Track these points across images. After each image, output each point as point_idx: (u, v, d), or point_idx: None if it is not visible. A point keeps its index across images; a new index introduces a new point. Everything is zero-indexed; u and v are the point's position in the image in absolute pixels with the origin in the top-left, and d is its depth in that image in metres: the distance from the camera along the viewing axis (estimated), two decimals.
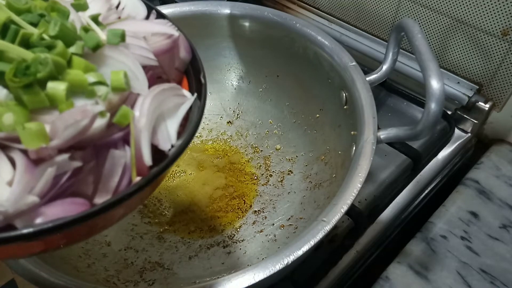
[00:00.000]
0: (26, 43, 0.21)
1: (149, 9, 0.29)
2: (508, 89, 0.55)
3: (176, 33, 0.27)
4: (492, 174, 0.52)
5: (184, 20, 0.54)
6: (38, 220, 0.19)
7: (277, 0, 0.76)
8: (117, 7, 0.29)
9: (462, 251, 0.45)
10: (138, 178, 0.21)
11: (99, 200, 0.21)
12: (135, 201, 0.24)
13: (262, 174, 0.54)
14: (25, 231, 0.18)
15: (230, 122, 0.59)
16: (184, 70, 0.28)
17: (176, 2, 0.57)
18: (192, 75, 0.28)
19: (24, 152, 0.19)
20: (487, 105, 0.57)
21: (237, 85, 0.60)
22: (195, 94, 0.25)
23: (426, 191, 0.53)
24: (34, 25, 0.23)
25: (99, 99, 0.21)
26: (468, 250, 0.45)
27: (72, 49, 0.22)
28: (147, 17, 0.29)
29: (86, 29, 0.23)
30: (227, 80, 0.60)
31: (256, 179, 0.54)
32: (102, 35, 0.23)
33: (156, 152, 0.23)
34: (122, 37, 0.23)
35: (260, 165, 0.55)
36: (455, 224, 0.47)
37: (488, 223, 0.47)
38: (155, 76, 0.25)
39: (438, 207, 0.50)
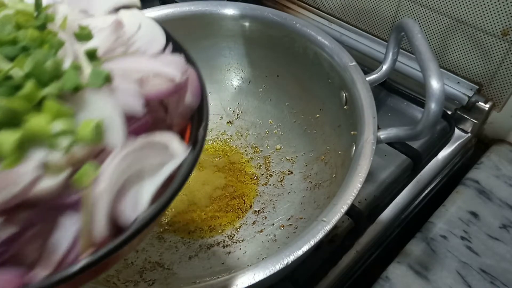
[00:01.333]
0: None
1: (167, 41, 0.26)
2: (508, 89, 0.55)
3: (179, 77, 0.23)
4: (492, 174, 0.52)
5: (184, 20, 0.54)
6: None
7: (277, 0, 0.76)
8: (132, 36, 0.26)
9: (462, 251, 0.45)
10: (87, 253, 0.18)
11: (39, 272, 0.18)
12: (86, 277, 0.20)
13: (262, 174, 0.54)
14: None
15: (230, 122, 0.59)
16: (190, 116, 0.25)
17: (176, 2, 0.57)
18: (195, 125, 0.24)
19: None
20: (487, 105, 0.57)
21: (237, 85, 0.60)
22: (187, 152, 0.22)
23: (426, 191, 0.53)
24: (13, 59, 0.20)
25: (60, 152, 0.18)
26: (468, 250, 0.45)
27: (46, 90, 0.19)
28: (164, 49, 0.26)
29: (75, 67, 0.21)
30: (227, 80, 0.60)
31: (256, 179, 0.54)
32: (86, 75, 0.21)
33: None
34: (107, 78, 0.21)
35: (260, 165, 0.55)
36: (455, 224, 0.47)
37: (488, 223, 0.47)
38: (147, 125, 0.22)
39: (438, 207, 0.50)
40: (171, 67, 0.23)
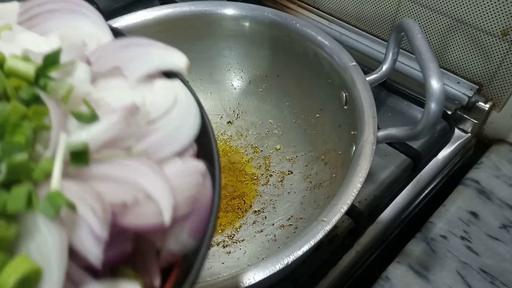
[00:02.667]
0: None
1: (200, 138, 0.21)
2: (508, 89, 0.55)
3: (168, 219, 0.17)
4: (492, 174, 0.52)
5: (184, 20, 0.54)
6: None
7: (277, 0, 0.76)
8: (156, 120, 0.21)
9: (462, 251, 0.45)
10: None
11: None
12: None
13: (262, 174, 0.54)
14: None
15: (230, 122, 0.59)
16: (182, 256, 0.19)
17: (176, 2, 0.57)
18: (183, 273, 0.18)
19: None
20: (487, 105, 0.57)
21: (237, 85, 0.60)
22: None
23: (426, 191, 0.53)
24: None
25: None
26: (468, 250, 0.45)
27: None
28: (188, 145, 0.20)
29: (44, 172, 0.16)
30: (227, 80, 0.60)
31: (256, 179, 0.54)
32: (44, 193, 0.16)
33: None
34: (70, 207, 0.16)
35: (260, 165, 0.55)
36: (455, 224, 0.47)
37: (488, 223, 0.47)
38: (114, 260, 0.17)
39: (438, 207, 0.50)
40: (168, 196, 0.18)
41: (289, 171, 0.53)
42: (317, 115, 0.53)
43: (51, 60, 0.20)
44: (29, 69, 0.19)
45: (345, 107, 0.46)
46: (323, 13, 0.71)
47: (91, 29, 0.24)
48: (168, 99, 0.21)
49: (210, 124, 0.21)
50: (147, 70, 0.22)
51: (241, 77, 0.60)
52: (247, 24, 0.55)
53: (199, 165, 0.20)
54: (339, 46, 0.48)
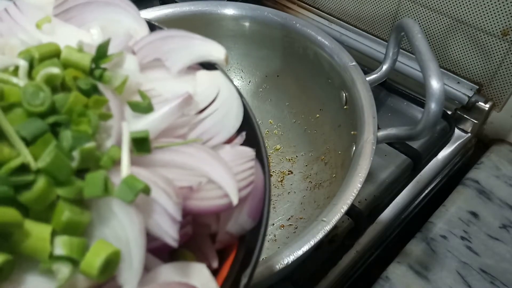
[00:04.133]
0: None
1: (242, 124, 0.21)
2: (508, 89, 0.55)
3: (236, 198, 0.18)
4: (492, 174, 0.52)
5: (184, 20, 0.54)
6: None
7: (277, 0, 0.76)
8: (203, 110, 0.21)
9: (462, 251, 0.45)
10: None
11: None
12: None
13: None
14: None
15: None
16: (239, 236, 0.20)
17: (176, 2, 0.57)
18: (242, 253, 0.19)
19: None
20: (487, 105, 0.57)
21: (237, 85, 0.60)
22: None
23: (426, 191, 0.53)
24: (34, 141, 0.16)
25: (54, 284, 0.15)
26: (468, 250, 0.45)
27: (61, 191, 0.15)
28: (235, 135, 0.21)
29: (112, 159, 0.17)
30: None
31: None
32: (122, 176, 0.16)
33: None
34: (143, 190, 0.16)
35: None
36: (455, 224, 0.47)
37: (488, 223, 0.47)
38: (174, 246, 0.17)
39: (438, 207, 0.50)
40: (230, 178, 0.18)
41: (289, 171, 0.53)
42: (317, 115, 0.53)
43: (103, 51, 0.20)
44: (85, 60, 0.19)
45: (345, 107, 0.46)
46: (323, 13, 0.71)
47: (128, 21, 0.24)
48: (212, 89, 0.22)
49: (252, 112, 0.22)
50: (188, 61, 0.23)
51: (241, 77, 0.60)
52: (247, 24, 0.55)
53: (249, 151, 0.20)
54: (339, 46, 0.48)
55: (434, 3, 0.56)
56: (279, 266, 0.31)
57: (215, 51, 0.24)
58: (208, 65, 0.24)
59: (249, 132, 0.21)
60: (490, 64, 0.55)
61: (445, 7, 0.55)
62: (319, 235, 0.32)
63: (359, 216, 0.46)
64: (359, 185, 0.35)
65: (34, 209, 0.15)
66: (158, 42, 0.23)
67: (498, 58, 0.53)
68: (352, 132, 0.43)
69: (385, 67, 0.47)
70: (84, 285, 0.15)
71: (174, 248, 0.17)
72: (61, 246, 0.15)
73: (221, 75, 0.23)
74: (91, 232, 0.16)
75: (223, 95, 0.22)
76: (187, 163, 0.18)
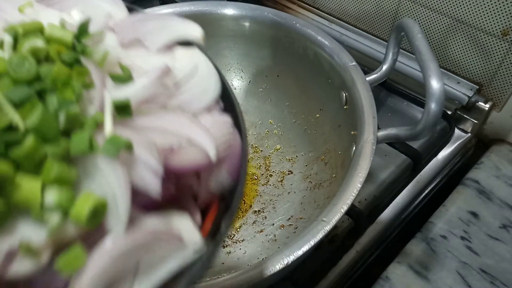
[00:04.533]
0: None
1: (221, 94, 0.23)
2: (508, 89, 0.55)
3: (214, 155, 0.20)
4: (492, 174, 0.52)
5: None
6: None
7: (277, 0, 0.76)
8: (181, 81, 0.23)
9: (462, 251, 0.45)
10: None
11: None
12: None
13: (262, 174, 0.54)
14: None
15: None
16: (219, 195, 0.21)
17: (176, 2, 0.57)
18: (221, 209, 0.21)
19: None
20: (487, 105, 0.57)
21: (237, 85, 0.60)
22: (202, 244, 0.18)
23: (426, 191, 0.53)
24: (20, 105, 0.17)
25: (46, 231, 0.16)
26: (468, 250, 0.45)
27: (49, 149, 0.16)
28: (213, 104, 0.23)
29: (95, 121, 0.18)
30: (227, 80, 0.60)
31: (256, 179, 0.54)
32: (105, 135, 0.18)
33: None
34: (127, 147, 0.18)
35: (260, 165, 0.55)
36: (455, 224, 0.47)
37: (488, 223, 0.47)
38: (163, 199, 0.18)
39: (438, 207, 0.50)
40: (209, 138, 0.20)
41: (289, 171, 0.53)
42: (317, 115, 0.53)
43: (84, 29, 0.21)
44: (67, 36, 0.20)
45: (345, 107, 0.46)
46: (323, 13, 0.71)
47: (108, 6, 0.25)
48: (190, 64, 0.23)
49: (229, 85, 0.24)
50: (166, 40, 0.24)
51: (241, 77, 0.60)
52: (247, 24, 0.55)
53: (226, 118, 0.22)
54: (339, 46, 0.48)
55: (434, 3, 0.56)
56: (279, 266, 0.31)
57: (192, 30, 0.25)
58: (186, 44, 0.25)
59: (226, 102, 0.23)
60: (490, 64, 0.55)
61: (445, 7, 0.55)
62: (319, 235, 0.32)
63: (359, 216, 0.46)
64: (359, 185, 0.35)
65: (25, 166, 0.16)
66: (137, 23, 0.24)
67: (498, 58, 0.53)
68: (352, 132, 0.43)
69: (385, 67, 0.47)
70: (74, 232, 0.16)
71: (159, 205, 0.18)
72: (51, 196, 0.16)
73: (199, 52, 0.24)
74: (78, 188, 0.17)
75: (201, 70, 0.23)
76: (167, 127, 0.20)
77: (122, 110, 0.19)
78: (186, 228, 0.18)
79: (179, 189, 0.20)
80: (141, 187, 0.18)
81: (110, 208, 0.17)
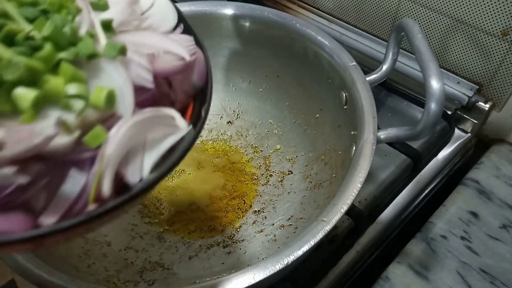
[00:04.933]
0: (11, 40, 0.20)
1: (178, 22, 0.27)
2: (508, 89, 0.55)
3: (188, 57, 0.25)
4: (492, 174, 0.52)
5: None
6: None
7: (277, 0, 0.76)
8: (145, 12, 0.27)
9: (462, 251, 0.45)
10: (92, 207, 0.20)
11: (45, 219, 0.19)
12: (85, 228, 0.22)
13: (262, 174, 0.54)
14: None
15: (230, 122, 0.59)
16: (193, 95, 0.26)
17: (176, 2, 0.57)
18: (198, 104, 0.26)
19: None
20: (487, 105, 0.57)
21: (237, 85, 0.60)
22: (190, 127, 0.23)
23: (426, 191, 0.53)
24: (32, 21, 0.21)
25: (73, 114, 0.20)
26: (468, 250, 0.45)
27: (62, 54, 0.20)
28: (174, 29, 0.27)
29: (91, 35, 0.22)
30: (227, 80, 0.60)
31: (256, 179, 0.54)
32: (101, 45, 0.22)
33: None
34: (122, 51, 0.22)
35: (260, 165, 0.55)
36: (455, 224, 0.47)
37: (488, 223, 0.47)
38: (153, 99, 0.23)
39: (438, 207, 0.50)
40: (181, 47, 0.25)
41: (289, 171, 0.53)
42: (317, 115, 0.53)
43: None
44: None
45: (345, 107, 0.46)
46: (323, 13, 0.71)
47: None
48: None
49: (183, 14, 0.28)
50: None
51: (241, 77, 0.60)
52: (247, 24, 0.55)
53: (188, 37, 0.27)
54: (339, 46, 0.48)
55: (434, 3, 0.56)
56: (279, 266, 0.31)
57: None
58: None
59: (185, 26, 0.28)
60: (490, 64, 0.55)
61: (445, 7, 0.55)
62: (319, 235, 0.32)
63: (359, 216, 0.46)
64: (359, 185, 0.35)
65: (44, 69, 0.20)
66: None
67: (498, 58, 0.53)
68: (352, 132, 0.43)
69: (385, 67, 0.47)
70: (94, 116, 0.20)
71: (151, 105, 0.22)
72: (72, 89, 0.20)
73: None
74: (89, 85, 0.21)
75: (158, 2, 0.28)
76: (145, 41, 0.24)
77: (106, 28, 0.23)
78: (176, 116, 0.23)
79: (160, 97, 0.24)
80: (137, 82, 0.22)
81: (118, 97, 0.21)
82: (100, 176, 0.20)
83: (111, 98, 0.21)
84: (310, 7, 0.73)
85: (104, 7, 0.25)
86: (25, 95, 0.19)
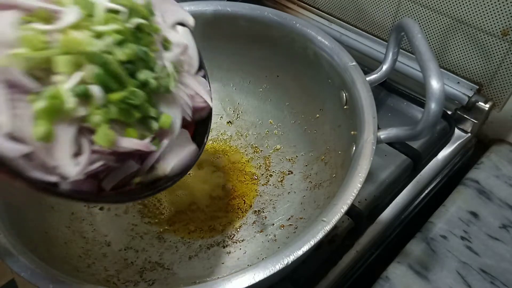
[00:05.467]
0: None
1: (199, 67, 0.36)
2: (508, 89, 0.55)
3: (211, 103, 0.35)
4: (492, 174, 0.52)
5: None
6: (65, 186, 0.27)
7: (277, 0, 0.76)
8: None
9: (462, 251, 0.45)
10: (135, 183, 0.31)
11: (105, 184, 0.29)
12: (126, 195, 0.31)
13: (262, 174, 0.54)
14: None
15: (230, 122, 0.59)
16: (196, 122, 0.36)
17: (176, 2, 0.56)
18: (201, 131, 0.36)
19: (91, 142, 0.26)
20: (487, 105, 0.57)
21: (237, 85, 0.60)
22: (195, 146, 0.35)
23: (426, 191, 0.53)
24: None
25: (149, 130, 0.29)
26: (468, 250, 0.45)
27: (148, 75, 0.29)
28: (198, 71, 0.36)
29: (165, 72, 0.30)
30: (227, 80, 0.60)
31: (256, 179, 0.54)
32: (172, 82, 0.31)
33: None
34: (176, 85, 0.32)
35: (260, 165, 0.55)
36: (455, 224, 0.47)
37: (488, 223, 0.47)
38: (183, 124, 0.33)
39: (438, 207, 0.50)
40: (206, 93, 0.35)
41: (289, 171, 0.53)
42: (317, 115, 0.53)
43: (150, 8, 0.33)
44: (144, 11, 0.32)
45: (345, 107, 0.46)
46: (323, 13, 0.71)
47: None
48: (187, 39, 0.36)
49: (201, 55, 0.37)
50: (173, 20, 0.36)
51: (241, 77, 0.60)
52: (247, 24, 0.55)
53: (205, 81, 0.36)
54: (339, 46, 0.48)
55: (434, 3, 0.56)
56: (279, 266, 0.31)
57: (188, 16, 0.37)
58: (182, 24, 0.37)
59: (200, 63, 0.36)
60: (490, 64, 0.55)
61: (445, 7, 0.55)
62: (319, 235, 0.32)
63: (359, 216, 0.46)
64: (359, 185, 0.35)
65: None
66: (158, 5, 0.34)
67: (498, 58, 0.53)
68: (352, 132, 0.43)
69: (385, 67, 0.47)
70: (158, 131, 0.31)
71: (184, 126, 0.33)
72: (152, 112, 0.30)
73: (189, 32, 0.37)
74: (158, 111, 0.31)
75: (191, 43, 0.36)
76: (187, 83, 0.33)
77: (175, 67, 0.32)
78: (189, 136, 0.34)
79: (186, 122, 0.34)
80: (183, 114, 0.32)
81: (173, 122, 0.31)
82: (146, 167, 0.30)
83: (171, 123, 0.31)
84: (310, 7, 0.73)
85: (169, 48, 0.32)
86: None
